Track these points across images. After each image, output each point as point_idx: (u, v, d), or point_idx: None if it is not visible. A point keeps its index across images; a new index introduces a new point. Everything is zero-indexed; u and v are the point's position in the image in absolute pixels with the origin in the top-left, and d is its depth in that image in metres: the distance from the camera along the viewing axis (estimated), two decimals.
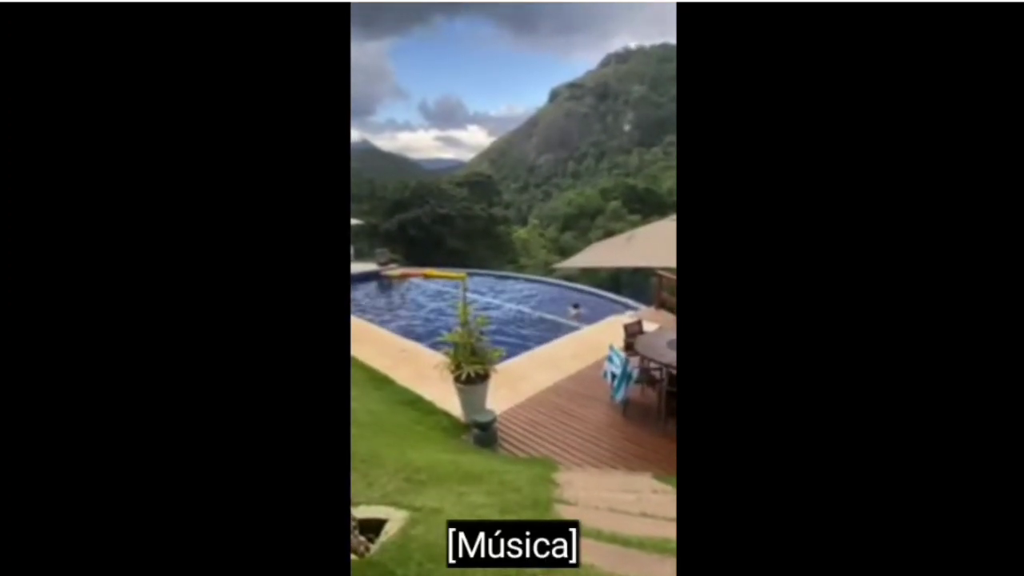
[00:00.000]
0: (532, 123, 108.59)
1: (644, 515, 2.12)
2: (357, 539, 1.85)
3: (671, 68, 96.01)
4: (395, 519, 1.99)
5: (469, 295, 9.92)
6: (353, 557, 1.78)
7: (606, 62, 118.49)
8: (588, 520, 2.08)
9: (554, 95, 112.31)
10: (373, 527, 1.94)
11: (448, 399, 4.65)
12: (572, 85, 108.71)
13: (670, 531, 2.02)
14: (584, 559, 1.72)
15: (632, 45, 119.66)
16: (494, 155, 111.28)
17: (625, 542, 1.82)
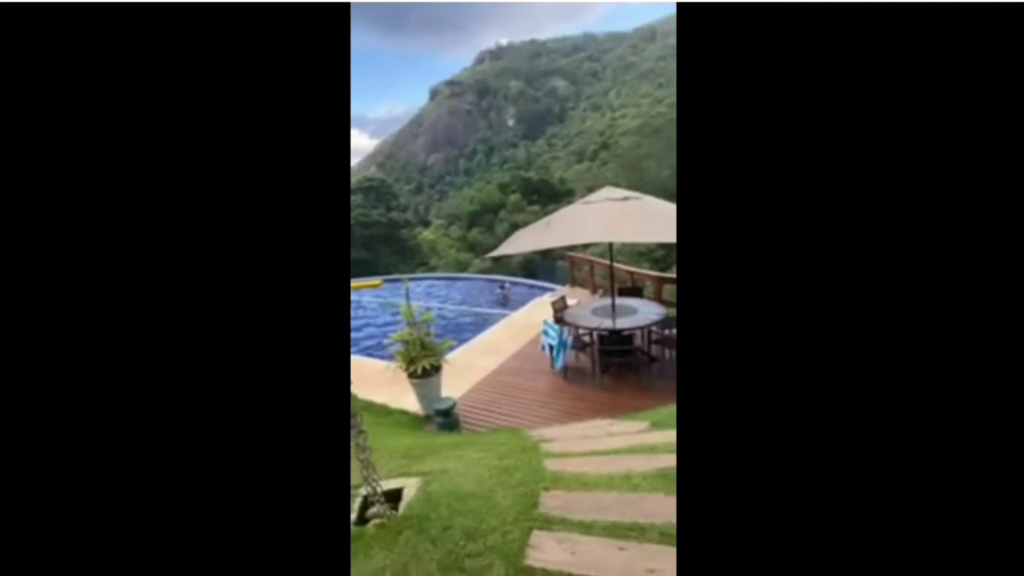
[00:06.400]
0: (416, 123, 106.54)
1: (611, 434, 2.65)
2: (382, 508, 2.08)
3: (542, 63, 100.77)
4: (410, 484, 2.24)
5: (394, 299, 9.78)
6: (382, 522, 2.01)
7: (480, 59, 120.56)
8: (570, 447, 2.55)
9: (434, 93, 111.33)
10: (391, 497, 2.17)
11: (400, 399, 4.80)
12: (451, 83, 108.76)
13: (635, 440, 2.58)
14: (577, 469, 2.18)
15: (503, 42, 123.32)
16: (381, 158, 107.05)
17: (604, 452, 2.32)
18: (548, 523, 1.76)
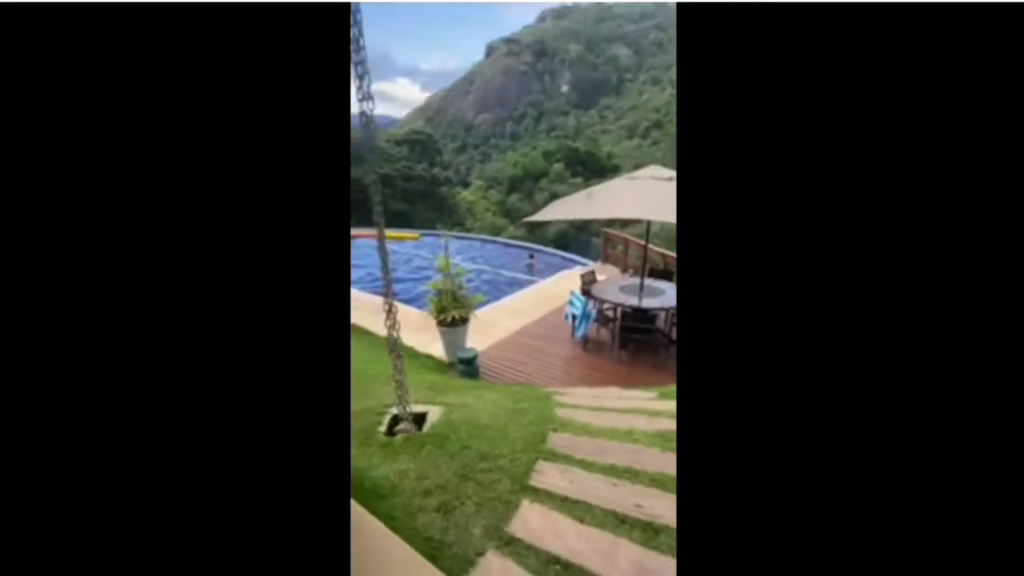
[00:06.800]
0: (469, 79, 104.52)
1: (620, 398, 2.83)
2: (409, 425, 2.37)
3: (607, 28, 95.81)
4: (434, 411, 2.52)
5: (423, 255, 10.12)
6: (408, 435, 2.31)
7: (543, 17, 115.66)
8: (580, 401, 2.76)
9: (490, 50, 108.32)
10: (417, 419, 2.46)
11: (427, 345, 5.12)
12: (509, 40, 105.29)
13: (641, 405, 2.76)
14: (585, 420, 2.39)
15: (569, 1, 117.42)
16: (430, 112, 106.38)
17: (611, 410, 2.52)
18: (553, 457, 1.99)
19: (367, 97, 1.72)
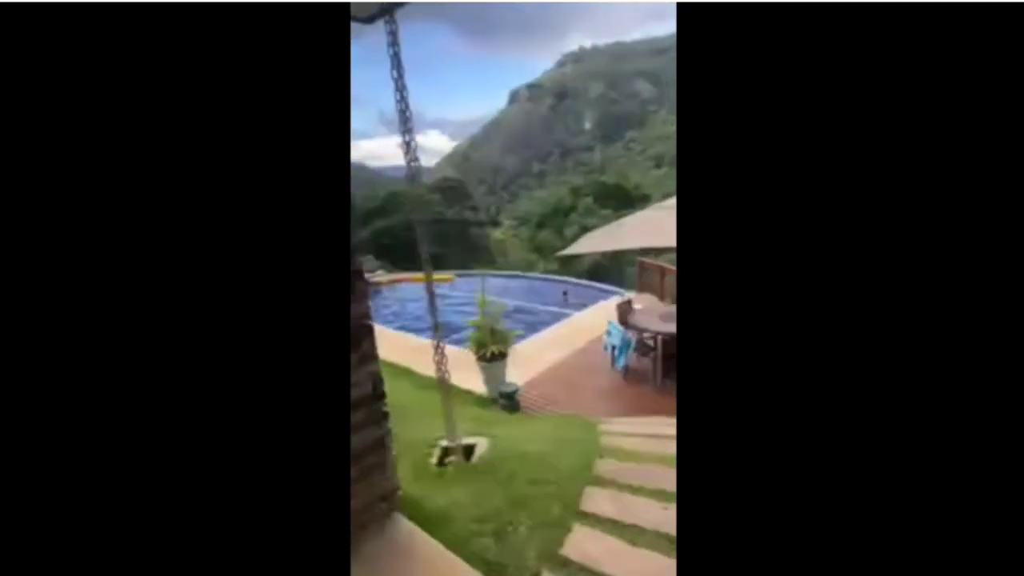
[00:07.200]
0: (494, 125, 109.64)
1: (665, 425, 2.83)
2: (459, 456, 2.48)
3: (625, 66, 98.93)
4: (481, 442, 2.61)
5: (458, 295, 10.44)
6: (458, 466, 2.40)
7: (563, 62, 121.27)
8: (625, 429, 2.77)
9: (514, 96, 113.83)
10: (465, 450, 2.56)
11: (467, 381, 5.22)
12: (531, 86, 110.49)
13: None
14: (631, 447, 2.41)
15: (587, 44, 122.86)
16: (458, 159, 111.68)
17: (657, 437, 2.52)
18: (600, 483, 2.02)
19: (415, 159, 1.98)
